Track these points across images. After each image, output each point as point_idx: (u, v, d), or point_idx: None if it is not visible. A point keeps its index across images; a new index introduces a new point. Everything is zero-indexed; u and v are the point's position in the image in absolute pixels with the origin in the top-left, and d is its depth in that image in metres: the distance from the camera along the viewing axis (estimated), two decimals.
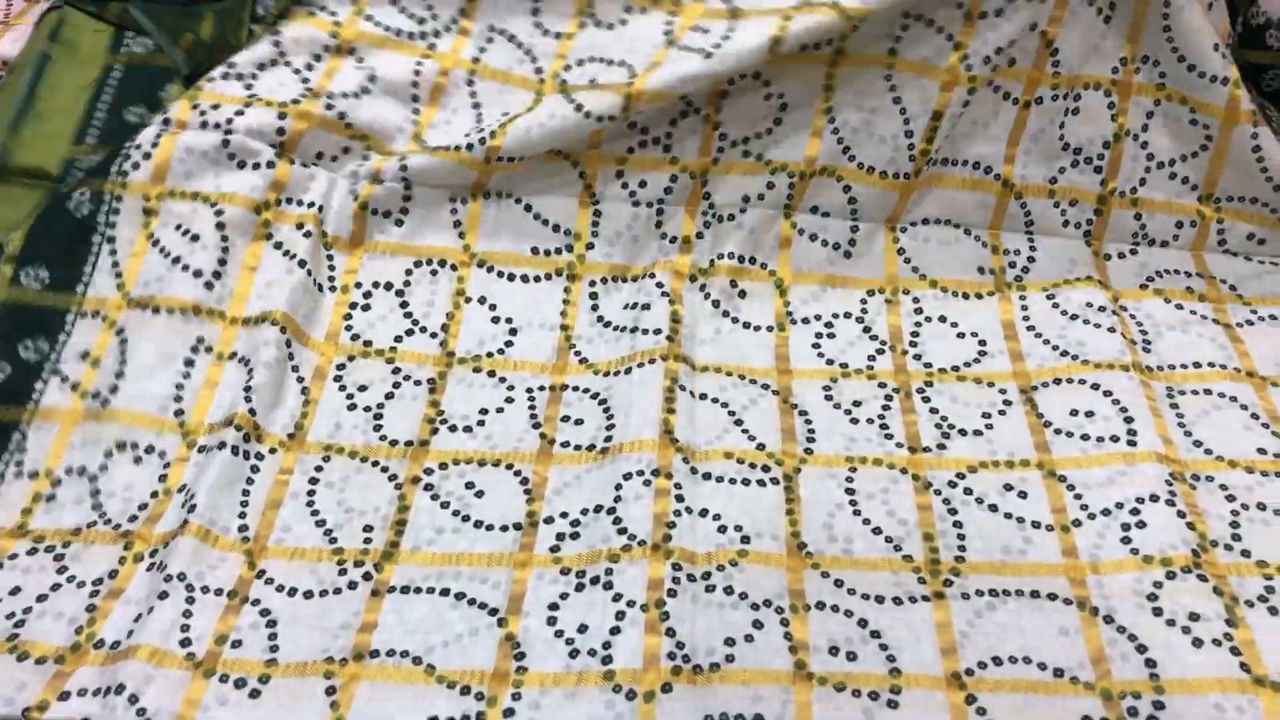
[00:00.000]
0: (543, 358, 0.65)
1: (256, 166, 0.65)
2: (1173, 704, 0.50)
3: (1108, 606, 0.53)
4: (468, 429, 0.62)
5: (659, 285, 0.67)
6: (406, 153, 0.68)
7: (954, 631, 0.53)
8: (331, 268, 0.67)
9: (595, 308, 0.68)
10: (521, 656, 0.52)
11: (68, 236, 0.63)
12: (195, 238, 0.63)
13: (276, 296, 0.63)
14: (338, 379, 0.63)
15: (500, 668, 0.51)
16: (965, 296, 0.69)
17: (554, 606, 0.54)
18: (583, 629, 0.52)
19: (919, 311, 0.68)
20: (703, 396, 0.63)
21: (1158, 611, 0.53)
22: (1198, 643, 0.52)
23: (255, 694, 0.50)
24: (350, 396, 0.62)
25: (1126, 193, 0.72)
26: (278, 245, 0.65)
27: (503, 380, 0.64)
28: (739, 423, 0.62)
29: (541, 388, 0.63)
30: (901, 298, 0.69)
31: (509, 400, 0.63)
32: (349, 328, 0.65)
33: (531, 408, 0.62)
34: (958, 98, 0.69)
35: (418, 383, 0.63)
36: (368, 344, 0.65)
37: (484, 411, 0.62)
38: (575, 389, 0.63)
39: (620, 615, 0.52)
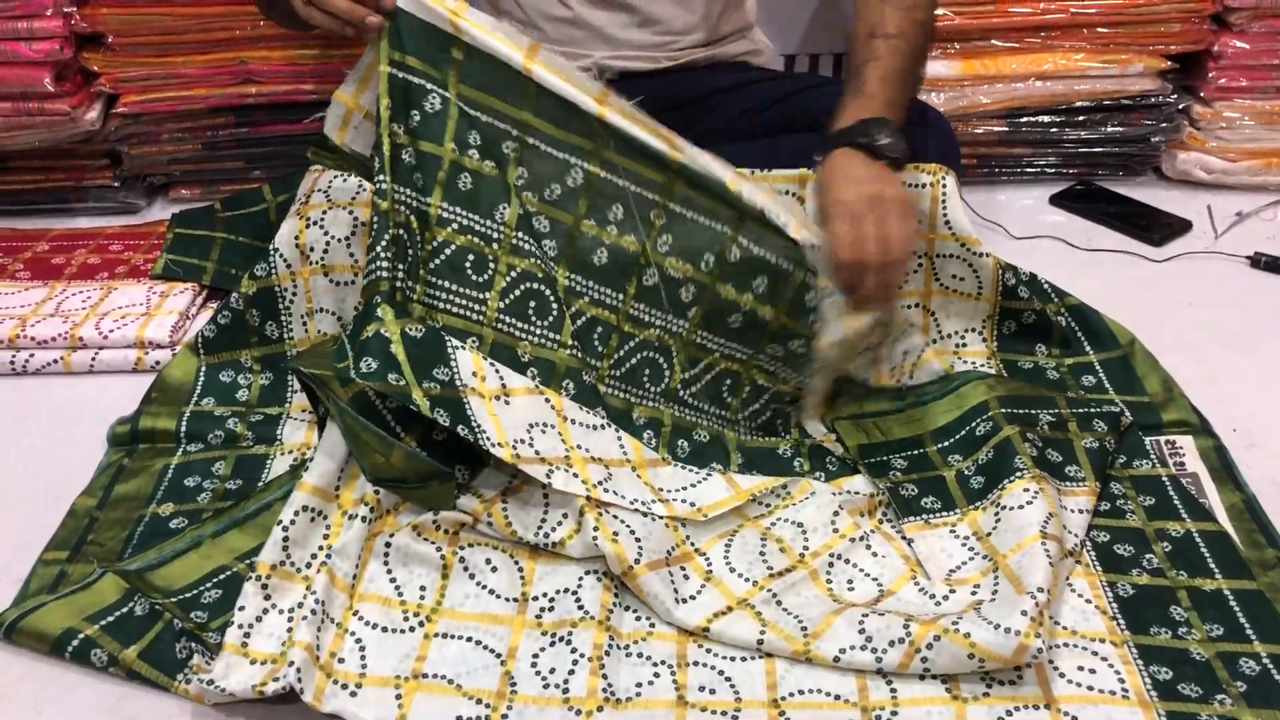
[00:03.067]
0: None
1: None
2: (903, 712, 0.82)
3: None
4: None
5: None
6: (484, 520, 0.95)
7: (776, 675, 0.86)
8: None
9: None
10: (514, 684, 0.84)
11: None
12: None
13: None
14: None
15: (501, 689, 0.84)
16: None
17: (535, 656, 0.86)
18: (552, 670, 0.85)
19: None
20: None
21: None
22: (922, 677, 0.84)
23: (354, 694, 0.83)
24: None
25: None
26: None
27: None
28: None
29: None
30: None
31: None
32: None
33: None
34: None
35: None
36: None
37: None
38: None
39: (575, 663, 0.84)
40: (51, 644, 0.88)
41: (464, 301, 1.00)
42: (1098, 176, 1.59)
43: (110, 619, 0.90)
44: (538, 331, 1.02)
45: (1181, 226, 1.46)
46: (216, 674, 0.81)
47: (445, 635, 0.88)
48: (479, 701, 0.83)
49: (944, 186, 1.15)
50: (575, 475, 0.94)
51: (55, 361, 1.24)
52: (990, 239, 1.42)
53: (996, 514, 0.96)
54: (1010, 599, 0.86)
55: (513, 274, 1.01)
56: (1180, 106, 1.55)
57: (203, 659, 0.85)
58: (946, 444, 1.06)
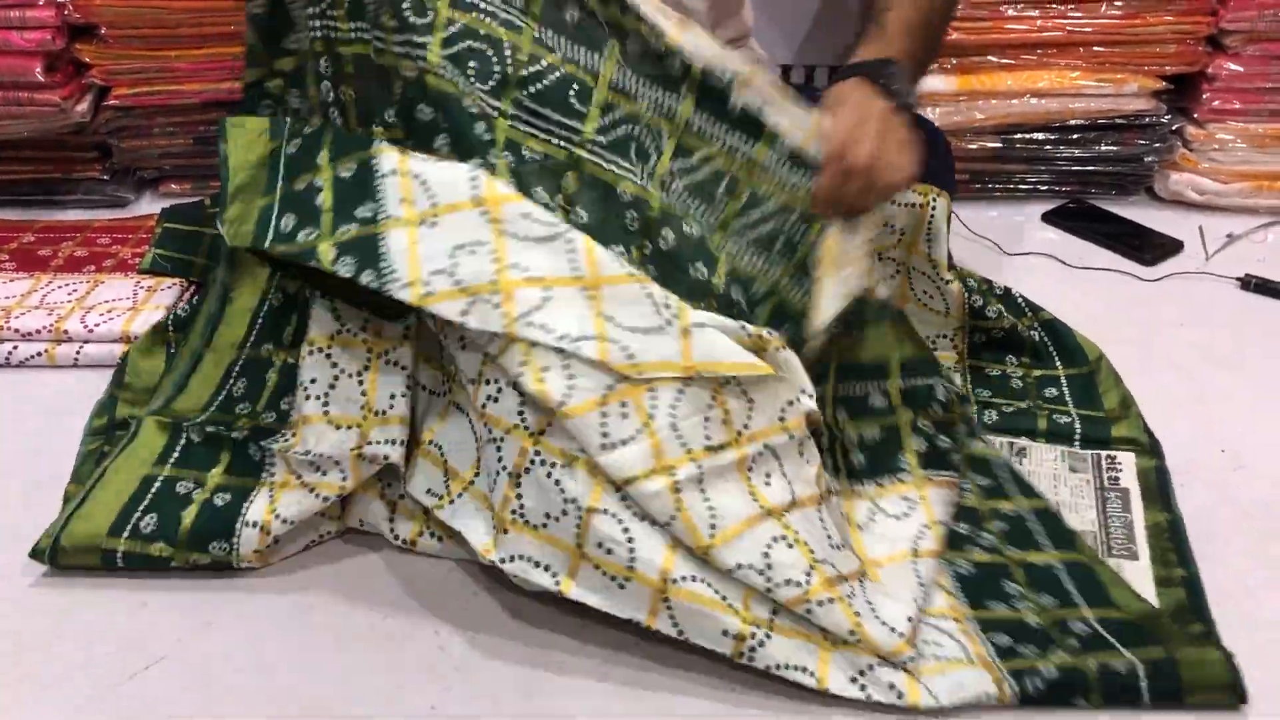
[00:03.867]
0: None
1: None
2: (775, 639, 0.82)
3: None
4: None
5: None
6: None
7: (675, 558, 0.83)
8: None
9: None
10: (476, 475, 0.89)
11: None
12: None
13: None
14: None
15: (465, 476, 0.90)
16: None
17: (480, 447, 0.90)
18: (490, 467, 0.87)
19: None
20: None
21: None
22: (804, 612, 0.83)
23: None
24: None
25: None
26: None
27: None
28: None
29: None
30: None
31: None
32: None
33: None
34: None
35: None
36: None
37: None
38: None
39: (500, 472, 0.85)
40: (119, 512, 0.93)
41: (401, 44, 0.90)
42: (1090, 195, 1.59)
43: (176, 454, 0.95)
44: (476, 86, 0.90)
45: (1173, 247, 1.46)
46: (309, 442, 0.89)
47: (456, 405, 0.94)
48: (445, 480, 0.91)
49: (932, 209, 1.14)
50: (496, 307, 0.85)
51: (39, 354, 1.22)
52: (982, 255, 1.42)
53: (872, 512, 0.97)
54: (900, 601, 0.88)
55: (451, 28, 0.90)
56: (1174, 127, 1.55)
57: (282, 440, 0.92)
58: (841, 395, 1.02)
